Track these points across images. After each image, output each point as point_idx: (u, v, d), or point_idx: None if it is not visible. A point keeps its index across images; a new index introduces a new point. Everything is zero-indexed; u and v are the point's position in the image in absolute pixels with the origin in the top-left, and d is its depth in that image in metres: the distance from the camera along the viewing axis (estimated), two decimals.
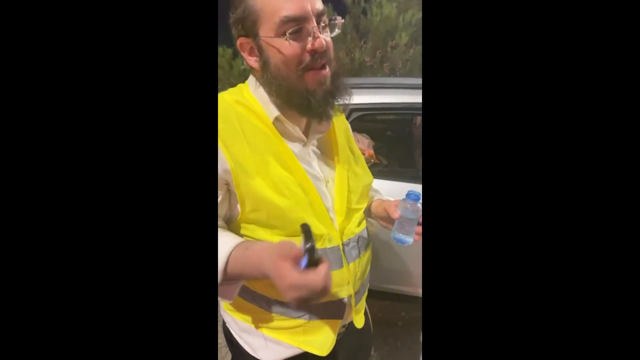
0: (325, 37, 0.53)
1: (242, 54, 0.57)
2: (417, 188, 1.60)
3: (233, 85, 0.63)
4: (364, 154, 1.74)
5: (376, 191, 0.79)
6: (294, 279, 0.43)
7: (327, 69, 0.54)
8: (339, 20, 0.55)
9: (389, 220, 0.66)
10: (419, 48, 4.72)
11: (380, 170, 1.77)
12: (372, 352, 0.85)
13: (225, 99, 0.58)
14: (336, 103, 0.57)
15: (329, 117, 0.58)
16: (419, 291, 1.56)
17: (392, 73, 4.75)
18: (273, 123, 0.57)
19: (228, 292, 0.56)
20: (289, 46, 0.51)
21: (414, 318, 1.80)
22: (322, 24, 0.53)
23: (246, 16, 0.52)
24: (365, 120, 2.07)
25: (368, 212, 0.73)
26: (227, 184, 0.56)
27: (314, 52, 0.51)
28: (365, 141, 1.81)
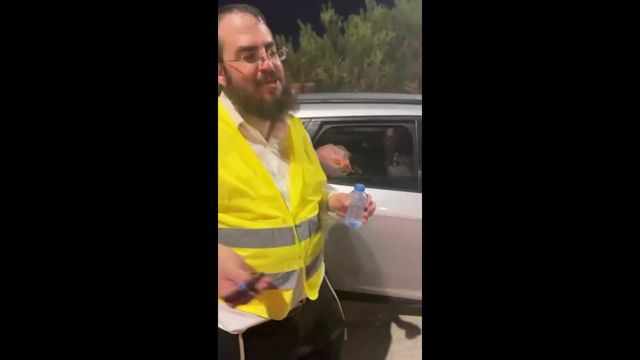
0: (275, 61, 0.71)
1: None
2: (387, 194, 1.70)
3: None
4: (339, 164, 1.85)
5: (332, 188, 0.94)
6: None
7: (278, 84, 0.72)
8: (285, 49, 0.76)
9: (343, 209, 0.81)
10: (393, 65, 4.98)
11: (356, 177, 1.88)
12: (344, 330, 0.92)
13: None
14: (287, 111, 0.75)
15: (280, 121, 0.76)
16: (394, 292, 1.65)
17: (369, 88, 4.97)
18: (238, 128, 0.72)
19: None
20: (245, 67, 0.69)
21: (390, 319, 1.89)
22: (270, 52, 0.71)
23: None
24: (343, 133, 2.21)
25: (327, 206, 0.87)
26: None
27: (264, 71, 0.69)
28: (342, 152, 1.92)
